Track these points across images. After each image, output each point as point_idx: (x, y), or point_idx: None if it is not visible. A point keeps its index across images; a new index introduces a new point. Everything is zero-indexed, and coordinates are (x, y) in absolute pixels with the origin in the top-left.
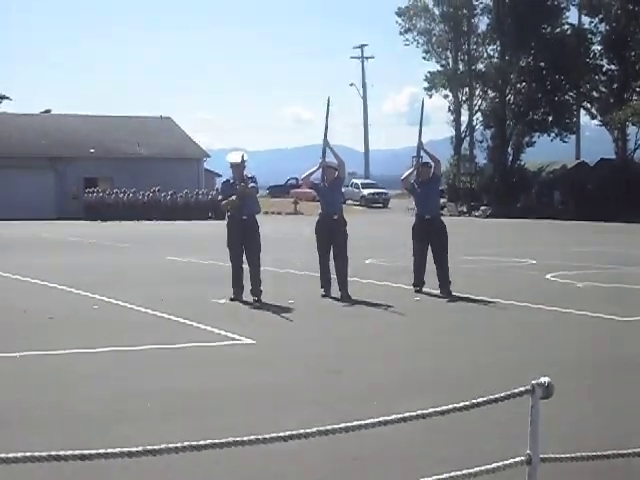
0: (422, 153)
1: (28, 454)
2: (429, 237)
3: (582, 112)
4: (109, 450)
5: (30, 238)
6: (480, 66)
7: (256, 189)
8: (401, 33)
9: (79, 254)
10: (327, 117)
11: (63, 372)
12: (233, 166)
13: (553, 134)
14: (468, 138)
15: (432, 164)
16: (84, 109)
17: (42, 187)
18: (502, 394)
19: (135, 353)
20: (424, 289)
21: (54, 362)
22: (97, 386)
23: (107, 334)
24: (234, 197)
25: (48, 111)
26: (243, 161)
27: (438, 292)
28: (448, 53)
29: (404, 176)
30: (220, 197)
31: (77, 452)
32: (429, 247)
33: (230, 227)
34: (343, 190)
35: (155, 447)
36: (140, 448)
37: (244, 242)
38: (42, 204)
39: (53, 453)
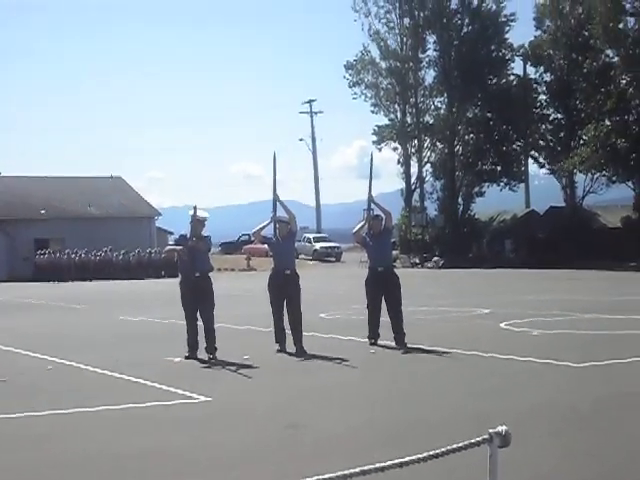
0: (373, 206)
1: None
2: (383, 289)
3: (530, 161)
4: None
5: None
6: (428, 118)
7: (209, 247)
8: (350, 86)
9: (31, 316)
10: (274, 172)
11: (17, 435)
12: (199, 222)
13: (502, 184)
14: (418, 190)
15: (383, 216)
16: (34, 171)
17: None
18: (460, 444)
19: (90, 414)
20: (379, 341)
21: (5, 426)
22: (51, 449)
23: (63, 395)
24: (179, 247)
25: None
26: (205, 218)
27: (393, 344)
28: (396, 106)
29: (355, 229)
30: (170, 244)
31: None
32: (383, 299)
33: (183, 285)
34: (295, 245)
35: None
36: None
37: (198, 300)
38: None
39: None
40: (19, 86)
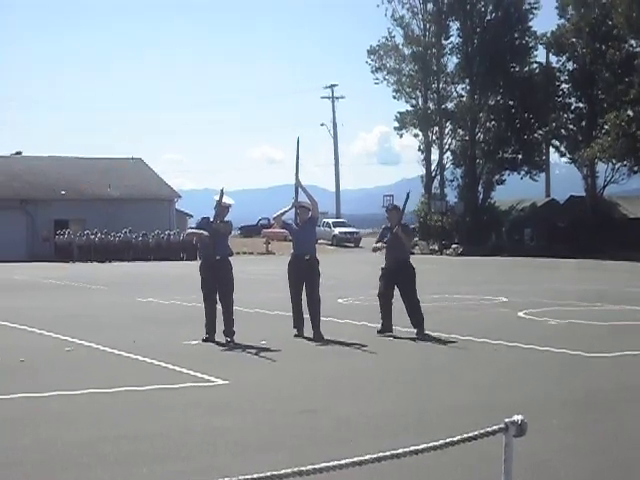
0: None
1: None
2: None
3: (551, 150)
4: None
5: (1, 280)
6: (450, 105)
7: (230, 230)
8: (372, 72)
9: (50, 296)
10: (297, 157)
11: (35, 415)
12: (224, 208)
13: (523, 172)
14: (439, 177)
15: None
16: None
17: (13, 229)
18: (476, 432)
19: (108, 396)
20: (397, 328)
21: (25, 405)
22: (69, 429)
23: (81, 377)
24: (205, 232)
25: (19, 153)
26: (229, 205)
27: (410, 330)
28: (418, 92)
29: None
30: (191, 227)
31: None
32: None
33: (203, 268)
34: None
35: None
36: None
37: (217, 283)
38: (13, 246)
39: None
40: (40, 67)
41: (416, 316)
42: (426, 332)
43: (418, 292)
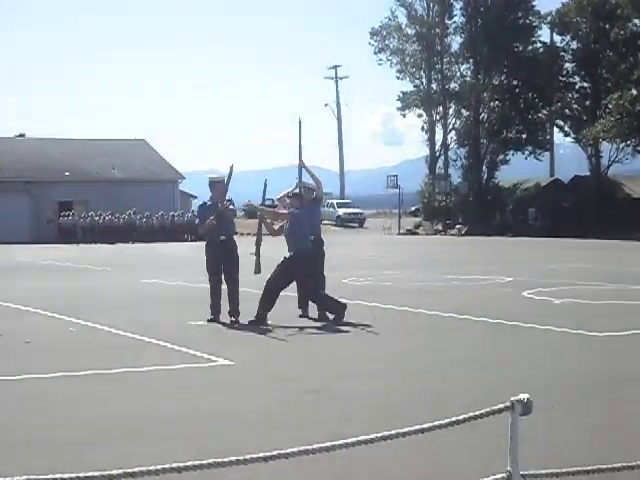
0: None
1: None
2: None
3: (555, 130)
4: (85, 474)
5: (5, 261)
6: (453, 85)
7: (234, 212)
8: (375, 53)
9: (54, 277)
10: (300, 138)
11: (41, 395)
12: (213, 184)
13: (527, 152)
14: (443, 157)
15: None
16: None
17: (17, 211)
18: (482, 411)
19: (113, 376)
20: (404, 307)
21: (31, 385)
22: (75, 409)
23: (85, 357)
24: (212, 218)
25: (22, 135)
26: (225, 181)
27: (422, 310)
28: (421, 72)
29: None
30: (198, 221)
31: (51, 476)
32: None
33: (209, 248)
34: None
35: (133, 470)
36: (120, 471)
37: (223, 263)
38: (17, 228)
39: (32, 477)
40: (41, 49)
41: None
42: (433, 312)
43: (426, 271)
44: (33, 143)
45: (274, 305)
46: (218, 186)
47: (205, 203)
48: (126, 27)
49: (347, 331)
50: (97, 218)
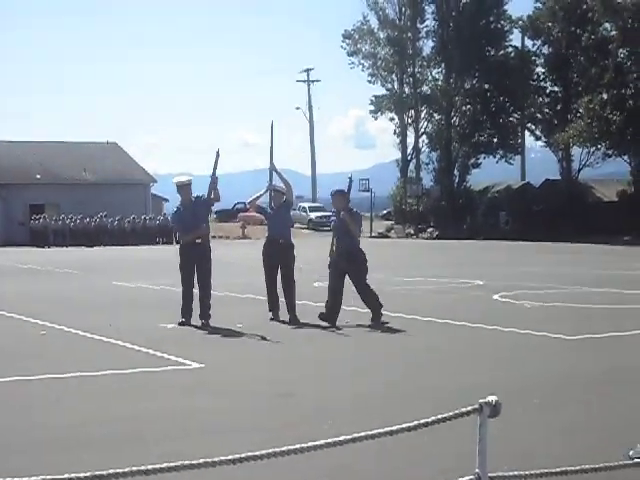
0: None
1: None
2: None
3: (527, 134)
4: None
5: None
6: (425, 89)
7: (209, 210)
8: (347, 55)
9: (25, 281)
10: (272, 141)
11: (12, 398)
12: (180, 187)
13: (498, 156)
14: (414, 160)
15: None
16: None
17: None
18: (450, 413)
19: (83, 379)
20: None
21: (1, 389)
22: (47, 413)
23: (55, 360)
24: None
25: None
26: (189, 182)
27: (390, 315)
28: (393, 76)
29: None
30: (176, 230)
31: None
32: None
33: (183, 251)
34: (291, 213)
35: (103, 472)
36: (89, 474)
37: (196, 266)
38: None
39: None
40: (13, 51)
41: (372, 303)
42: (401, 314)
43: (394, 275)
44: (4, 146)
45: (340, 307)
46: (182, 190)
47: (179, 209)
48: (95, 28)
49: (319, 334)
50: (68, 221)
